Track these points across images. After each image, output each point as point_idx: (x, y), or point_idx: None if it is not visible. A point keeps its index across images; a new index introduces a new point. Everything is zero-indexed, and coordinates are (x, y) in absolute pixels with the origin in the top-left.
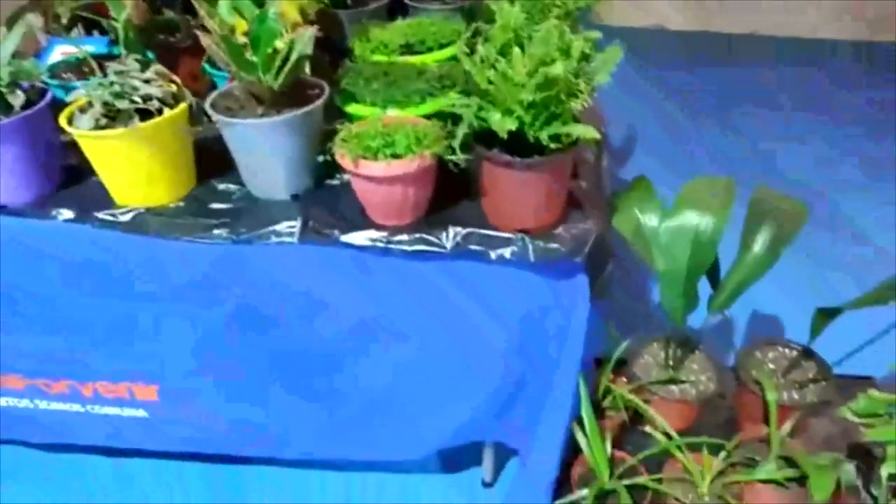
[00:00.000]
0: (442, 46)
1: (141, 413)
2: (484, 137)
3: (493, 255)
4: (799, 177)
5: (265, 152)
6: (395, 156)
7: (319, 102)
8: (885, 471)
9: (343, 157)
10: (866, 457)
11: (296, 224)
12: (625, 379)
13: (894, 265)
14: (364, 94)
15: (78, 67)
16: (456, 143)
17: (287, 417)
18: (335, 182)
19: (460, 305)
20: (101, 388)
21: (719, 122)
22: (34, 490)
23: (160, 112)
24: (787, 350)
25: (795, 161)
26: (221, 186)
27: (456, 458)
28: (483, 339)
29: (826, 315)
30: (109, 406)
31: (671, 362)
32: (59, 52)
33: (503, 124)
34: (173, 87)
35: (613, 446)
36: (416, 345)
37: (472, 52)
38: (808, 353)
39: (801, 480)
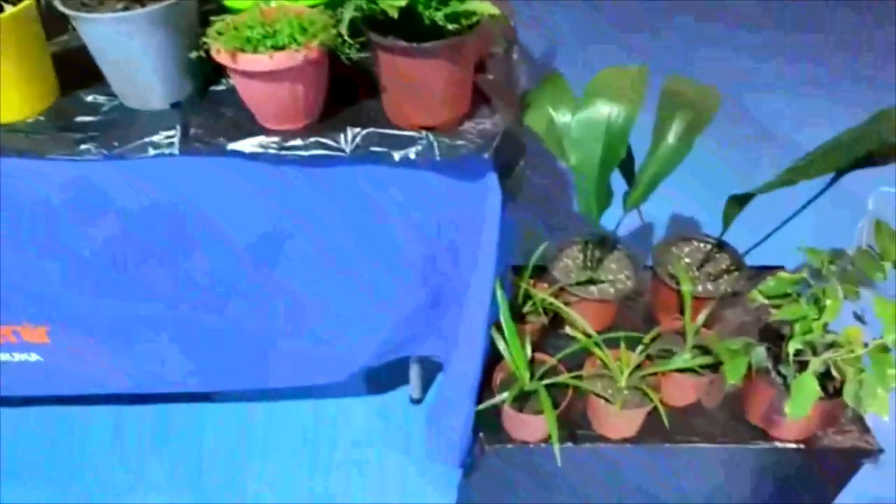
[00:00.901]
0: None
1: (34, 357)
2: (378, 24)
3: (396, 156)
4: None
5: (133, 54)
6: (278, 48)
7: None
8: (791, 347)
9: (219, 51)
10: (776, 339)
11: (175, 133)
12: (545, 283)
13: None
14: None
15: None
16: (343, 28)
17: (192, 349)
18: (221, 87)
19: (366, 214)
20: None
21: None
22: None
23: None
24: (701, 244)
25: (709, 59)
26: (89, 98)
27: (383, 378)
28: (394, 249)
29: (738, 202)
30: None
31: (590, 263)
32: None
33: (394, 1)
34: None
35: (534, 350)
36: (321, 261)
37: None
38: (721, 246)
39: (716, 367)
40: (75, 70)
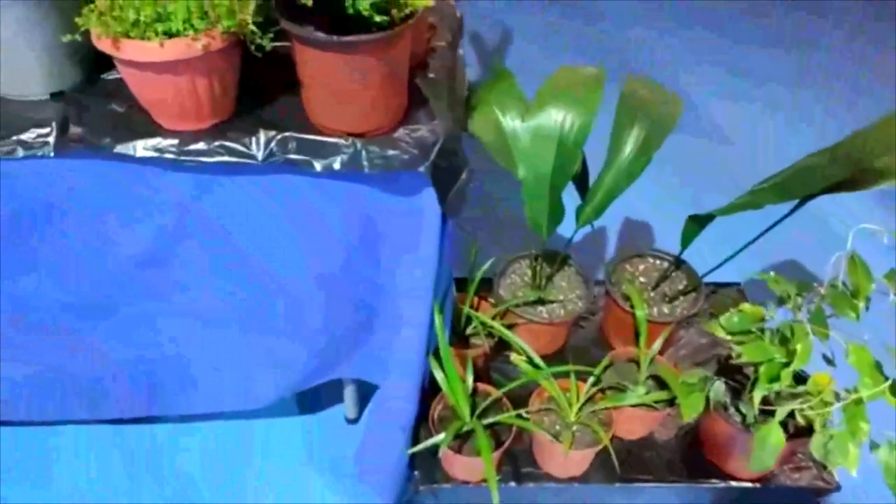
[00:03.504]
0: None
1: None
2: (294, 9)
3: (318, 165)
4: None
5: (3, 30)
6: (171, 34)
7: None
8: (757, 394)
9: (99, 37)
10: (735, 372)
11: (50, 131)
12: (490, 301)
13: (762, 168)
14: None
15: None
16: (248, 14)
17: (89, 370)
18: (116, 76)
19: (281, 225)
20: None
21: (585, 8)
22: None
23: None
24: (656, 261)
25: (662, 58)
26: None
27: (317, 396)
28: (315, 265)
29: (697, 223)
30: None
31: (539, 280)
32: None
33: None
34: None
35: (478, 377)
36: (229, 277)
37: None
38: (678, 263)
39: (672, 401)
40: None
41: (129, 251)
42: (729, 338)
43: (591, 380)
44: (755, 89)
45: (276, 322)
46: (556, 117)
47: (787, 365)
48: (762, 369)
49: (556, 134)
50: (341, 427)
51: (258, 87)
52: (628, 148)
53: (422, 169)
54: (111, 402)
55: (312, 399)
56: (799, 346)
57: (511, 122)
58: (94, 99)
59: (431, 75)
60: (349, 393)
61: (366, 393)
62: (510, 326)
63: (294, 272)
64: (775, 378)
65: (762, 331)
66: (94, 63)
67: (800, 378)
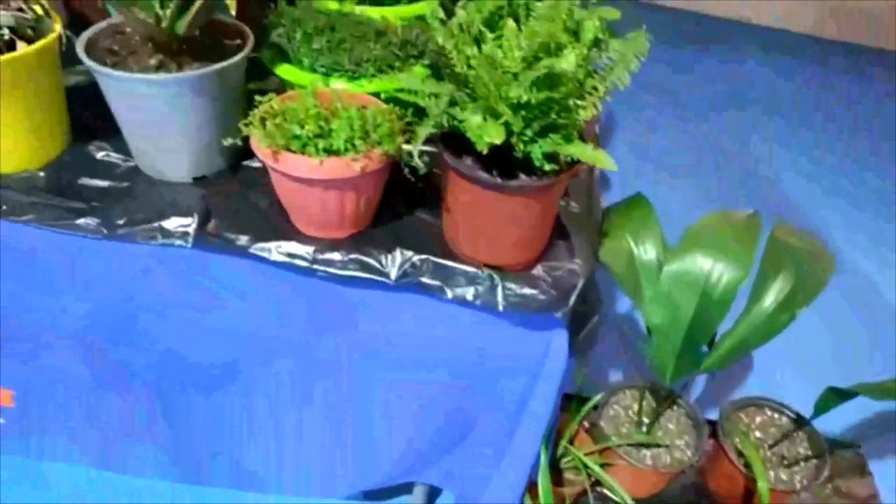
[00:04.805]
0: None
1: None
2: (453, 138)
3: (449, 293)
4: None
5: (160, 119)
6: (331, 151)
7: (238, 58)
8: None
9: (259, 145)
10: None
11: (191, 222)
12: (589, 432)
13: None
14: (301, 55)
15: None
16: (415, 148)
17: (168, 440)
18: (256, 164)
19: (398, 329)
20: None
21: (714, 123)
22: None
23: (11, 46)
24: (776, 415)
25: (799, 185)
26: (101, 155)
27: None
28: (424, 375)
29: (837, 395)
30: None
31: (645, 418)
32: None
33: (485, 134)
34: (37, 11)
35: None
36: (337, 372)
37: (449, 15)
38: (800, 421)
39: None
40: (89, 113)
41: (236, 341)
42: None
43: None
44: None
45: (372, 419)
46: (704, 265)
47: None
48: None
49: (700, 283)
50: None
51: (397, 200)
52: (769, 300)
53: (559, 315)
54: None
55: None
56: None
57: (645, 255)
58: (235, 187)
59: (574, 205)
60: (419, 491)
61: (434, 492)
62: (606, 467)
63: (400, 377)
64: None
65: None
66: (241, 152)
67: None
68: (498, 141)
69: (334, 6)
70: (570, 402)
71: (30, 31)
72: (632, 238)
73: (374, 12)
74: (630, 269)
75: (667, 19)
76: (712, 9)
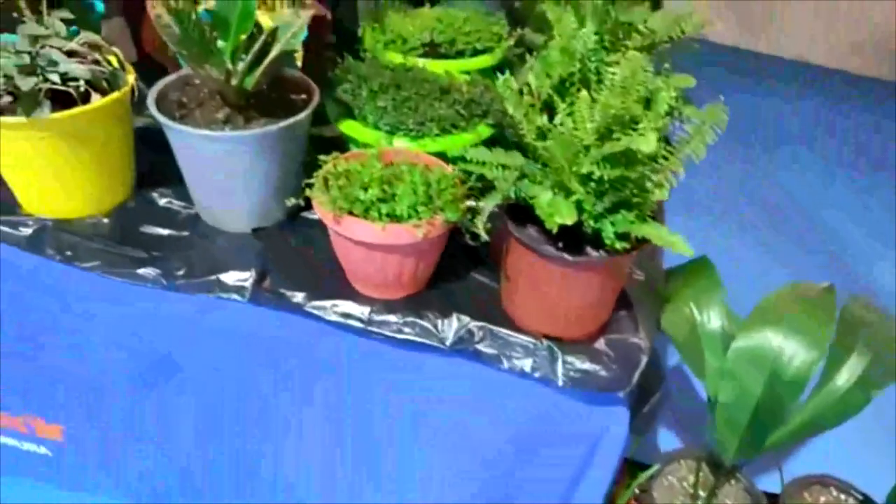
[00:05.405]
0: (476, 53)
1: (43, 450)
2: (518, 208)
3: (505, 363)
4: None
5: (223, 172)
6: (394, 217)
7: (303, 115)
8: None
9: (321, 206)
10: None
11: (249, 277)
12: (640, 501)
13: None
14: (366, 112)
15: None
16: (480, 222)
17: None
18: (314, 216)
19: (447, 397)
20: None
21: (761, 167)
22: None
23: (86, 98)
24: (841, 495)
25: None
26: (163, 202)
27: None
28: (468, 444)
29: None
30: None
31: (701, 491)
32: None
33: (556, 214)
34: (112, 63)
35: None
36: (382, 439)
37: (512, 68)
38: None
39: None
40: (155, 158)
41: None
42: None
43: None
44: None
45: (416, 485)
46: (775, 342)
47: None
48: None
49: (769, 361)
50: None
51: (455, 259)
52: (843, 378)
53: (621, 394)
54: None
55: None
56: None
57: (709, 323)
58: (293, 240)
59: (638, 273)
60: None
61: None
62: None
63: (444, 442)
64: None
65: None
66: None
67: None
68: (570, 222)
69: (398, 59)
70: (622, 465)
71: (104, 83)
72: (695, 306)
73: (438, 66)
74: (692, 338)
75: (722, 56)
76: (769, 47)
